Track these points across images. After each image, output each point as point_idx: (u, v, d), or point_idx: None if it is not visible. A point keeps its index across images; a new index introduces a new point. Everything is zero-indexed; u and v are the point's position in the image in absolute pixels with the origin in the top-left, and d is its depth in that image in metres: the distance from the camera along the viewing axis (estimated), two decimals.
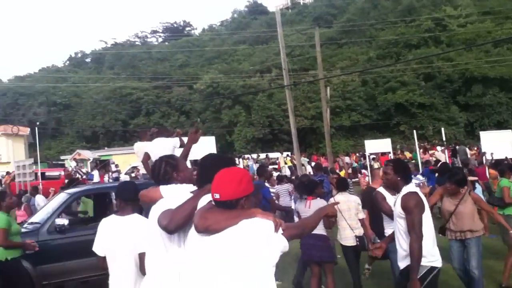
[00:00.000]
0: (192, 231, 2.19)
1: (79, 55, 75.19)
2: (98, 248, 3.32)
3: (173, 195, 2.55)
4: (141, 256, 3.08)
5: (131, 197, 3.37)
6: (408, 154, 23.49)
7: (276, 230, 2.08)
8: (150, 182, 7.03)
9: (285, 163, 22.43)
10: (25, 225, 6.38)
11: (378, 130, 39.60)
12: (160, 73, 53.92)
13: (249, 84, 42.74)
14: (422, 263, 3.55)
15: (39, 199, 10.05)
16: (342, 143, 39.15)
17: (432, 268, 3.65)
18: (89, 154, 33.59)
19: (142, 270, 3.00)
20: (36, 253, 5.51)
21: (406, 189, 3.79)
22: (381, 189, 5.20)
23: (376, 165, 19.26)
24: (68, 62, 74.14)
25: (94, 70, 64.43)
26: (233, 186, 2.08)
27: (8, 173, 20.42)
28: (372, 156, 21.25)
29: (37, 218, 6.49)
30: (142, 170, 7.69)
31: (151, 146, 6.66)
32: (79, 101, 53.48)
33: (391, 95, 40.04)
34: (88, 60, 73.53)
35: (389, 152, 19.45)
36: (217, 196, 2.09)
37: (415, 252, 3.50)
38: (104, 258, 3.30)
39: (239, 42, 60.74)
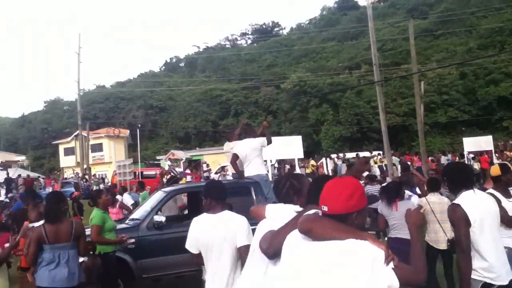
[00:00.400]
0: (293, 235, 2.10)
1: (174, 60, 79.48)
2: (191, 245, 3.36)
3: (277, 216, 2.48)
4: (241, 250, 3.13)
5: (220, 196, 3.40)
6: (509, 154, 21.21)
7: (387, 262, 1.85)
8: (238, 182, 7.21)
9: (375, 163, 21.60)
10: (126, 221, 6.80)
11: (478, 126, 36.58)
12: (249, 74, 55.08)
13: (337, 81, 41.91)
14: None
15: (126, 197, 10.63)
16: (437, 141, 36.86)
17: None
18: (182, 154, 35.29)
19: (243, 263, 3.01)
20: (136, 248, 5.84)
21: None
22: (493, 191, 4.64)
23: (476, 165, 17.77)
24: (164, 67, 78.73)
25: (187, 74, 67.71)
26: (342, 200, 1.91)
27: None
28: (471, 156, 19.66)
29: (137, 214, 6.86)
30: (232, 170, 7.80)
31: (239, 147, 6.73)
32: (173, 103, 56.51)
33: (494, 88, 36.86)
34: (181, 64, 77.40)
35: (491, 151, 17.83)
36: (325, 208, 1.94)
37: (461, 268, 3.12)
38: (199, 254, 3.33)
39: (328, 39, 59.91)
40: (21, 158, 52.46)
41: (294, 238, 2.07)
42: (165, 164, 27.00)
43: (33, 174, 33.41)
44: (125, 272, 5.88)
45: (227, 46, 77.59)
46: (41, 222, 4.47)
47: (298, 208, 2.53)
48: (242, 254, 3.11)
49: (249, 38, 79.72)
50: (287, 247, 2.11)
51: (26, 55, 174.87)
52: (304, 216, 2.09)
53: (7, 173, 27.52)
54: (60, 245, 4.34)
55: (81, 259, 5.22)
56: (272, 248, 2.24)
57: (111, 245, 5.60)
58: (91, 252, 5.29)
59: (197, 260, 3.40)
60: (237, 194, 7.16)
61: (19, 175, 27.84)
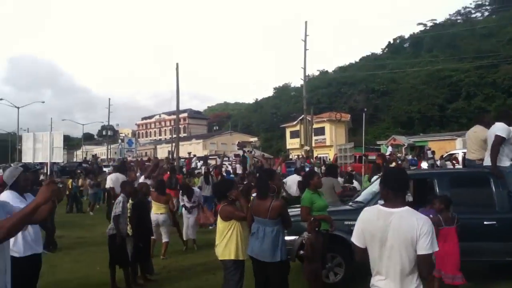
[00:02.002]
0: None
1: (398, 41, 76.30)
2: (357, 239, 2.94)
3: None
4: (420, 258, 2.65)
5: (401, 187, 2.88)
6: None
7: None
8: (474, 171, 6.35)
9: None
10: (350, 203, 6.81)
11: None
12: (485, 51, 48.50)
13: None
14: None
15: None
16: None
17: None
18: (404, 140, 33.74)
19: (423, 272, 2.68)
20: None
21: None
22: None
23: None
24: (386, 49, 76.47)
25: (411, 55, 64.10)
26: None
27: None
28: None
29: (361, 197, 6.80)
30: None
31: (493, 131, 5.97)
32: (396, 87, 54.39)
33: None
34: (406, 45, 73.79)
35: None
36: None
37: None
38: (364, 249, 2.92)
39: None
40: (254, 139, 58.94)
41: None
42: (386, 150, 26.27)
43: (266, 155, 37.17)
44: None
45: (458, 21, 70.12)
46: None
47: None
48: (421, 262, 2.66)
49: (485, 9, 70.18)
50: None
51: (260, 45, 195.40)
52: None
53: (243, 152, 31.20)
54: (259, 219, 4.66)
55: (305, 235, 5.41)
56: None
57: (325, 223, 5.65)
58: (316, 229, 5.42)
59: (361, 256, 2.96)
60: (471, 185, 6.34)
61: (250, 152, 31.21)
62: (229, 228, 4.72)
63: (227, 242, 4.70)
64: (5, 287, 2.69)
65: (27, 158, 22.35)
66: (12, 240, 3.97)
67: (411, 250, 2.65)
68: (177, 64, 27.19)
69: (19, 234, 4.13)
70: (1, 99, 48.16)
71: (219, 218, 4.83)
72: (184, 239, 9.27)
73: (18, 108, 47.99)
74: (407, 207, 2.78)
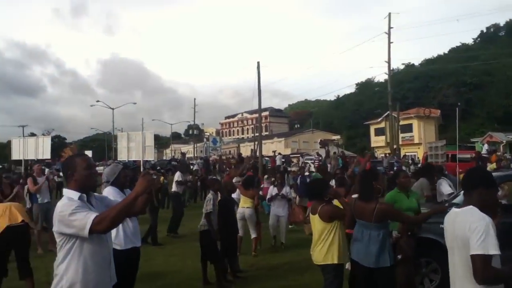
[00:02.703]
0: None
1: (492, 29, 70.62)
2: (446, 243, 2.78)
3: None
4: (472, 259, 2.40)
5: (470, 185, 2.67)
6: None
7: None
8: None
9: None
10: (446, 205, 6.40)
11: None
12: None
13: None
14: None
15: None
16: None
17: None
18: (501, 137, 31.16)
19: (476, 276, 2.39)
20: None
21: None
22: None
23: None
24: (478, 39, 71.14)
25: (507, 44, 58.99)
26: None
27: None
28: None
29: (458, 199, 6.38)
30: None
31: None
32: (490, 79, 50.41)
33: None
34: (501, 33, 68.03)
35: None
36: None
37: None
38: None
39: None
40: (336, 137, 57.93)
41: None
42: (481, 148, 24.39)
43: (347, 153, 36.40)
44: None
45: None
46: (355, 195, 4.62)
47: None
48: (472, 264, 2.42)
49: None
50: None
51: (340, 40, 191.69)
52: None
53: (327, 151, 30.77)
54: (363, 223, 4.38)
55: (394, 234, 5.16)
56: None
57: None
58: (408, 232, 5.16)
59: None
60: None
61: (334, 152, 30.73)
62: (331, 229, 4.52)
63: (329, 245, 4.49)
64: (110, 278, 2.87)
65: (122, 156, 24.07)
66: (113, 233, 4.25)
67: (465, 251, 2.46)
68: (258, 63, 27.47)
69: (120, 228, 4.42)
70: (97, 101, 52.39)
71: (317, 219, 4.62)
72: (272, 235, 9.34)
73: (113, 109, 51.66)
74: (470, 206, 2.57)
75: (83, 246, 2.64)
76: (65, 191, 2.77)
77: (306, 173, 16.04)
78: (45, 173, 12.00)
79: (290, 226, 10.33)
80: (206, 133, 62.71)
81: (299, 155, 39.38)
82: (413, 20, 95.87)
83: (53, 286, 2.70)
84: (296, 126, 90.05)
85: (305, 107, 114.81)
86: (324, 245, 4.52)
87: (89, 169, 2.81)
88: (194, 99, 58.72)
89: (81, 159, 2.85)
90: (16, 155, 24.88)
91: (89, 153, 61.53)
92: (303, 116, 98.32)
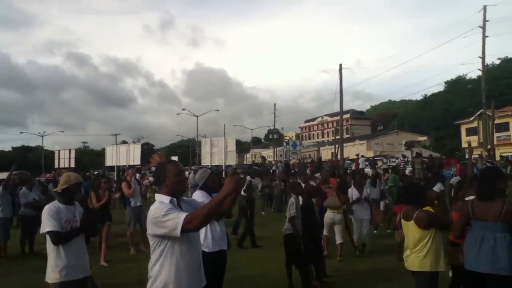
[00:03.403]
0: None
1: None
2: None
3: None
4: None
5: None
6: None
7: None
8: None
9: None
10: None
11: None
12: None
13: None
14: None
15: None
16: None
17: None
18: None
19: None
20: None
21: None
22: None
23: None
24: None
25: None
26: None
27: None
28: None
29: None
30: None
31: None
32: None
33: None
34: None
35: None
36: None
37: None
38: None
39: None
40: (423, 138, 55.08)
41: None
42: None
43: (434, 154, 34.37)
44: None
45: None
46: (472, 197, 4.25)
47: None
48: None
49: None
50: None
51: (427, 37, 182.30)
52: None
53: (412, 152, 29.32)
54: (486, 224, 3.94)
55: None
56: None
57: None
58: None
59: None
60: None
61: (417, 153, 29.09)
62: (428, 236, 4.21)
63: (426, 252, 4.19)
64: (201, 279, 2.91)
65: (205, 161, 24.90)
66: (202, 236, 4.34)
67: None
68: (340, 65, 27.07)
69: (208, 231, 4.50)
70: (183, 110, 54.97)
71: (412, 226, 4.31)
72: (356, 244, 9.02)
73: (197, 116, 53.75)
74: None
75: (174, 247, 2.74)
76: (157, 195, 2.91)
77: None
78: (137, 178, 12.69)
79: (375, 231, 9.95)
80: (285, 137, 62.86)
81: (382, 158, 38.00)
82: (510, 11, 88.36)
83: (148, 287, 2.81)
84: (379, 128, 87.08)
85: (389, 108, 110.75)
86: (421, 252, 4.22)
87: (179, 176, 2.92)
88: (275, 104, 59.16)
89: (173, 166, 2.97)
90: (109, 161, 26.87)
91: (175, 158, 64.80)
92: (387, 118, 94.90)
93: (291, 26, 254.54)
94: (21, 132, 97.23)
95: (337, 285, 6.72)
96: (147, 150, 76.18)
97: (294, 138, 72.07)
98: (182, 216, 2.61)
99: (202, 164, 25.51)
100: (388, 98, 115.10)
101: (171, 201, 2.81)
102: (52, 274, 3.86)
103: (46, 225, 3.83)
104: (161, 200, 2.82)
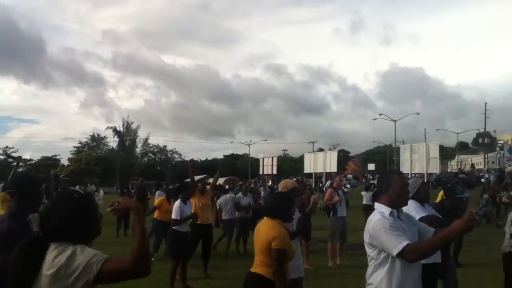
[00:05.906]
0: None
1: None
2: None
3: None
4: None
5: None
6: None
7: None
8: None
9: None
10: None
11: None
12: None
13: None
14: None
15: None
16: None
17: None
18: None
19: None
20: None
21: None
22: None
23: None
24: None
25: None
26: None
27: None
28: None
29: None
30: None
31: None
32: None
33: None
34: None
35: None
36: None
37: None
38: None
39: None
40: None
41: None
42: None
43: None
44: None
45: None
46: None
47: None
48: None
49: None
50: None
51: None
52: None
53: None
54: None
55: None
56: None
57: None
58: None
59: None
60: None
61: None
62: None
63: None
64: None
65: (404, 168, 23.84)
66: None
67: None
68: None
69: None
70: (380, 114, 52.86)
71: None
72: None
73: (395, 121, 51.52)
74: None
75: (395, 261, 2.67)
76: (377, 205, 2.89)
77: None
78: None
79: None
80: (499, 141, 55.40)
81: None
82: None
83: None
84: None
85: None
86: None
87: (403, 188, 2.88)
88: (485, 103, 52.35)
89: (398, 177, 2.95)
90: (307, 168, 28.09)
91: (371, 166, 63.72)
92: None
93: (500, 13, 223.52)
94: (231, 142, 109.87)
95: None
96: (343, 157, 76.91)
97: (510, 142, 62.85)
98: (403, 242, 2.55)
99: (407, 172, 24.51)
100: None
101: (391, 213, 2.77)
102: None
103: None
104: (381, 210, 2.80)
